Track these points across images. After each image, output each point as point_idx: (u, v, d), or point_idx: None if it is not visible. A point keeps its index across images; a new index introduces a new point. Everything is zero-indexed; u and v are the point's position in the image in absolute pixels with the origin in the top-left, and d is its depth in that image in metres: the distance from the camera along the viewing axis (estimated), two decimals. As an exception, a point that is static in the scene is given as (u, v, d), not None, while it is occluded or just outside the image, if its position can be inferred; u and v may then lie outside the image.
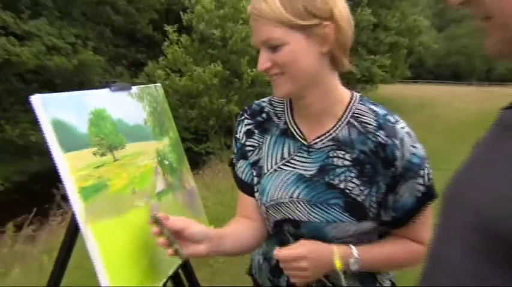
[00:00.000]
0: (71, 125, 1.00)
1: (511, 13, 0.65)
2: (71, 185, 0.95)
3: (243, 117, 1.25)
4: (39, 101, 0.93)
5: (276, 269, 1.22)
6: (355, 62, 19.13)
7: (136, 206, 1.13)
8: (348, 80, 18.34)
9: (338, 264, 1.03)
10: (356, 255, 1.10)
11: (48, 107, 0.95)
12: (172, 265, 1.25)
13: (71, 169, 0.96)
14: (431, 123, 15.31)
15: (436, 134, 11.47)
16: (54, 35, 14.59)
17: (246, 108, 1.27)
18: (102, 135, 1.09)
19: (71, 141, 0.98)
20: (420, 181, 1.09)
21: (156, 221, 0.99)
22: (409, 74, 30.67)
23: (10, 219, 5.24)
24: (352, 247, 1.11)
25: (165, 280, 1.19)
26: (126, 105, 1.25)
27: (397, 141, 1.07)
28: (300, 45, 1.03)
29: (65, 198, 5.45)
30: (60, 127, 0.96)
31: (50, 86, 15.38)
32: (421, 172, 1.08)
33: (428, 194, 1.10)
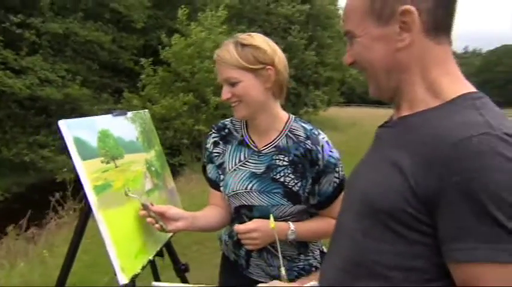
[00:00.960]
0: (85, 141, 1.14)
1: (379, 67, 0.78)
2: (87, 184, 1.08)
3: (211, 132, 1.41)
4: (64, 124, 1.07)
5: (237, 244, 1.34)
6: (303, 91, 19.69)
7: (131, 200, 1.26)
8: (296, 105, 18.78)
9: (272, 225, 1.14)
10: (292, 228, 1.24)
11: (71, 129, 1.09)
12: (159, 243, 1.39)
13: (87, 172, 1.09)
14: (361, 138, 15.76)
15: (365, 146, 11.74)
16: (48, 69, 14.15)
17: (213, 125, 1.43)
18: (107, 149, 1.23)
19: (86, 152, 1.12)
20: (336, 175, 1.26)
21: (144, 206, 1.17)
22: (343, 100, 31.74)
23: (11, 224, 5.08)
24: (290, 222, 1.25)
25: (154, 253, 1.33)
26: (123, 126, 1.39)
27: (319, 148, 1.24)
28: (251, 82, 1.21)
29: (60, 204, 5.33)
30: (78, 143, 1.10)
31: (45, 112, 14.87)
32: (337, 169, 1.26)
33: (341, 184, 1.27)
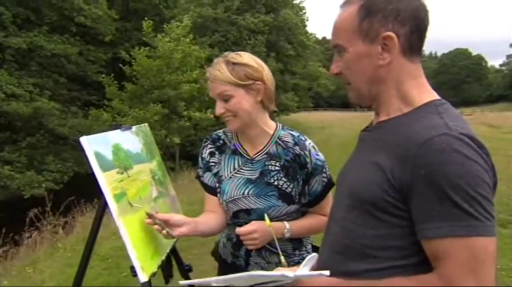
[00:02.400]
0: (103, 154, 1.24)
1: (362, 79, 0.93)
2: (108, 192, 1.18)
3: (206, 143, 1.49)
4: (85, 140, 1.17)
5: (236, 245, 1.43)
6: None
7: (143, 206, 1.36)
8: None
9: (268, 223, 1.24)
10: (288, 227, 1.35)
11: (91, 144, 1.19)
12: (168, 245, 1.49)
13: (107, 182, 1.19)
14: (329, 140, 16.30)
15: (333, 148, 12.31)
16: (14, 84, 13.69)
17: (208, 137, 1.51)
18: (120, 161, 1.33)
19: (104, 165, 1.22)
20: (324, 175, 1.39)
21: (149, 215, 1.23)
22: (311, 104, 32.45)
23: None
24: (285, 222, 1.36)
25: (165, 254, 1.43)
26: (130, 139, 1.48)
27: (306, 152, 1.37)
28: (242, 97, 1.32)
29: (38, 217, 5.22)
30: (98, 156, 1.20)
31: (9, 128, 14.36)
32: (324, 170, 1.39)
33: (329, 183, 1.40)
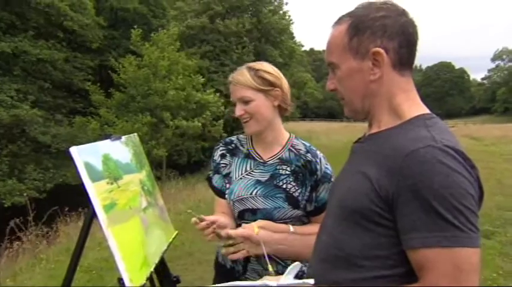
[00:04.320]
0: (93, 164, 1.23)
1: (355, 94, 0.96)
2: (97, 203, 1.17)
3: (218, 146, 1.56)
4: (75, 150, 1.17)
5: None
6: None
7: (133, 216, 1.36)
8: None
9: (256, 230, 1.28)
10: (292, 229, 1.38)
11: (81, 154, 1.18)
12: (156, 256, 1.48)
13: (96, 193, 1.18)
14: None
15: (330, 165, 12.36)
16: (-5, 89, 13.47)
17: (221, 141, 1.59)
18: (110, 171, 1.32)
19: (94, 175, 1.21)
20: (331, 184, 1.40)
21: (201, 219, 1.30)
22: (298, 114, 32.70)
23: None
24: (290, 225, 1.38)
25: (154, 265, 1.42)
26: (120, 149, 1.48)
27: (318, 160, 1.44)
28: (262, 101, 1.41)
29: (19, 227, 5.09)
30: (88, 167, 1.19)
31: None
32: (332, 179, 1.44)
33: None
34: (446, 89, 69.94)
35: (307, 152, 1.47)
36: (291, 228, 1.38)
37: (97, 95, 13.79)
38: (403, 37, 0.91)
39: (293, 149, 1.47)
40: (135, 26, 14.00)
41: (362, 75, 0.93)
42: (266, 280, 1.05)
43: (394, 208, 0.82)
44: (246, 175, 1.47)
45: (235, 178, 1.48)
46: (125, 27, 18.99)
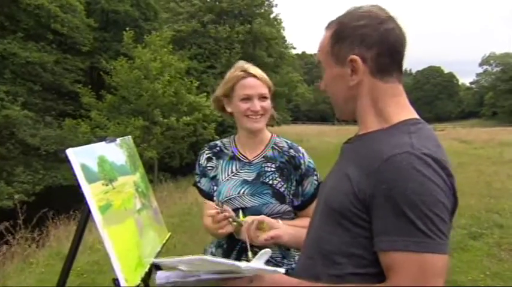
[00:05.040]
0: (89, 166, 1.25)
1: (338, 97, 1.01)
2: (93, 204, 1.19)
3: (203, 151, 1.61)
4: (72, 152, 1.18)
5: (227, 250, 1.48)
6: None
7: (128, 217, 1.37)
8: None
9: (242, 217, 1.36)
10: (280, 222, 1.38)
11: (77, 156, 1.20)
12: (150, 257, 1.49)
13: (92, 194, 1.20)
14: (308, 153, 16.43)
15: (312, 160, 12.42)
16: (-16, 91, 13.27)
17: (205, 145, 1.64)
18: (105, 173, 1.34)
19: (90, 176, 1.23)
20: (315, 177, 1.50)
21: (223, 210, 1.34)
22: (290, 118, 32.83)
23: None
24: (279, 220, 1.40)
25: (149, 265, 1.43)
26: (115, 151, 1.49)
27: (300, 155, 1.50)
28: (269, 100, 1.50)
29: (9, 231, 5.03)
30: (84, 168, 1.21)
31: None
32: (315, 172, 1.50)
33: (319, 185, 1.44)
34: (436, 93, 70.86)
35: (290, 148, 1.53)
36: (280, 221, 1.41)
37: (88, 97, 13.68)
38: (382, 46, 0.93)
39: (276, 147, 1.53)
40: (127, 29, 13.92)
41: (343, 80, 0.97)
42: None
43: (370, 210, 0.85)
44: (233, 175, 1.51)
45: (222, 180, 1.52)
46: (116, 30, 18.89)
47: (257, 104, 1.45)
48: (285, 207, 1.46)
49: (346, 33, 0.95)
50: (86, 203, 1.20)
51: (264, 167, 1.49)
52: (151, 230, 1.59)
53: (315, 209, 1.08)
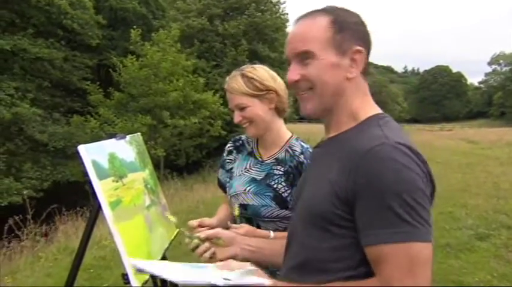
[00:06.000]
0: (100, 162, 1.27)
1: (328, 88, 0.94)
2: (104, 200, 1.21)
3: (228, 143, 1.67)
4: (83, 149, 1.20)
5: None
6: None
7: (138, 213, 1.40)
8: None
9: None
10: (272, 235, 1.36)
11: (89, 152, 1.22)
12: (159, 253, 1.52)
13: (103, 190, 1.22)
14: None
15: None
16: (-6, 87, 13.41)
17: (231, 139, 1.68)
18: (115, 169, 1.36)
19: (101, 173, 1.25)
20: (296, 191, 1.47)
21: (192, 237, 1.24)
22: (296, 116, 32.71)
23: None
24: (270, 231, 1.38)
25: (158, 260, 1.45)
26: (124, 148, 1.52)
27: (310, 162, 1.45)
28: (257, 106, 1.46)
29: (18, 226, 5.09)
30: (95, 165, 1.23)
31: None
32: None
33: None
34: (444, 93, 70.27)
35: (301, 153, 1.48)
36: (272, 234, 1.38)
37: (96, 94, 13.77)
38: (369, 46, 0.98)
39: (289, 150, 1.51)
40: (135, 27, 13.98)
41: (339, 71, 0.94)
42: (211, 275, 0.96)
43: (353, 208, 0.84)
44: (245, 171, 1.55)
45: (236, 174, 1.57)
46: (124, 28, 18.98)
47: (236, 116, 1.47)
48: (285, 212, 1.44)
49: (346, 26, 0.94)
50: (97, 199, 1.22)
51: (274, 169, 1.50)
52: (160, 226, 1.61)
53: (293, 217, 1.05)
